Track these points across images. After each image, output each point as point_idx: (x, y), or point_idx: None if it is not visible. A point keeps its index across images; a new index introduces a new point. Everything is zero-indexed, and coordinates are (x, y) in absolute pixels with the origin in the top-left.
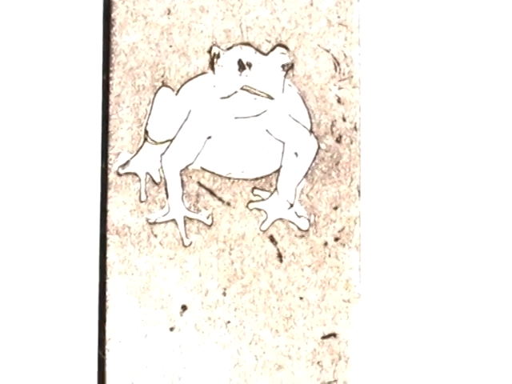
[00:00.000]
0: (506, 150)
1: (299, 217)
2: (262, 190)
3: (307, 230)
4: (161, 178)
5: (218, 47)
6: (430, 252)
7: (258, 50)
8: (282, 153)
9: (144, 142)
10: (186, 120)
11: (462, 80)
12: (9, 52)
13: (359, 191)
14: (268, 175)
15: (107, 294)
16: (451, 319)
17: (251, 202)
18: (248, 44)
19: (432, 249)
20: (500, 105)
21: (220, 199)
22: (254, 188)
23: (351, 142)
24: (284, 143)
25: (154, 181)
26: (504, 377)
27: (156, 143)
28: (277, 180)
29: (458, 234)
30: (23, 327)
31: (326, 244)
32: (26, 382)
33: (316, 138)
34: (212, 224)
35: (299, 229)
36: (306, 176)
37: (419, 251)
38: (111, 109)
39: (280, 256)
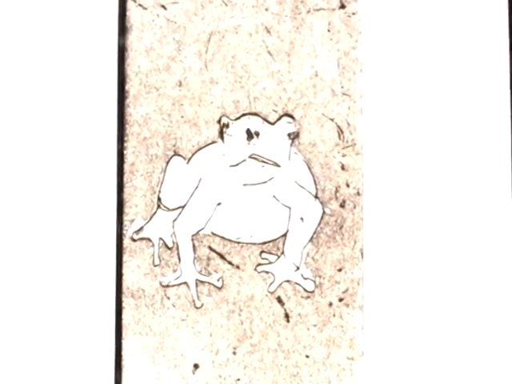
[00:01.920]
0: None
1: (305, 279)
2: (270, 253)
3: (313, 291)
4: (173, 242)
5: (227, 117)
6: (430, 312)
7: (265, 119)
8: (289, 218)
9: (157, 208)
10: (196, 187)
11: (461, 138)
12: (28, 121)
13: (362, 254)
14: (275, 239)
15: (123, 353)
16: (453, 374)
17: (259, 265)
18: (256, 114)
19: (432, 309)
20: (491, 140)
21: (230, 263)
22: (262, 252)
23: (354, 207)
24: (290, 208)
25: (166, 245)
26: None
27: (168, 210)
28: (284, 244)
29: (454, 290)
30: None
31: (330, 304)
32: None
33: (321, 203)
34: (222, 286)
35: (305, 290)
36: (311, 240)
37: (420, 313)
38: (126, 177)
39: (287, 316)
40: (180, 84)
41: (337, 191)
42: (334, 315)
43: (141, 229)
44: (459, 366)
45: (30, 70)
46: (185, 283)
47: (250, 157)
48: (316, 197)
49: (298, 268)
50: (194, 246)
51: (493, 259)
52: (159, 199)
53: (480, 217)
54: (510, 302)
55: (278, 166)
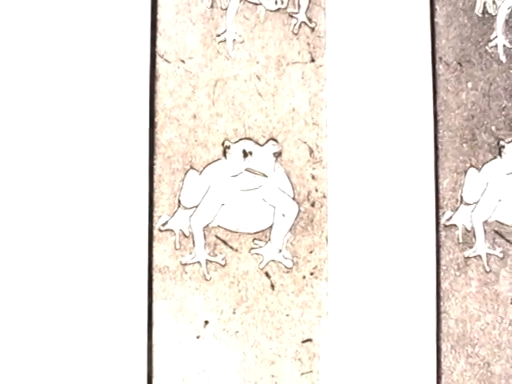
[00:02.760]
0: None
1: (286, 258)
2: (260, 240)
3: (291, 268)
4: (190, 232)
5: (229, 141)
6: (379, 281)
7: (256, 142)
8: (274, 214)
9: (178, 207)
10: (206, 192)
11: (405, 160)
12: (80, 145)
13: (327, 240)
14: (264, 230)
15: (153, 313)
16: (392, 326)
17: (252, 248)
18: (249, 139)
19: (381, 278)
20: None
21: (231, 247)
22: (254, 239)
23: (321, 206)
24: (275, 207)
25: (184, 235)
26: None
27: (186, 208)
28: (270, 233)
29: (397, 269)
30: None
31: (304, 277)
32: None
33: (297, 203)
34: (225, 264)
35: (286, 267)
36: (290, 230)
37: (370, 281)
38: (155, 185)
39: (272, 286)
40: (194, 117)
41: (308, 195)
42: (306, 285)
43: (166, 222)
44: (398, 321)
45: (87, 107)
46: (198, 262)
47: (246, 170)
48: (293, 199)
49: (280, 251)
50: (204, 235)
51: (422, 241)
52: (179, 201)
53: (412, 212)
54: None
55: (266, 176)
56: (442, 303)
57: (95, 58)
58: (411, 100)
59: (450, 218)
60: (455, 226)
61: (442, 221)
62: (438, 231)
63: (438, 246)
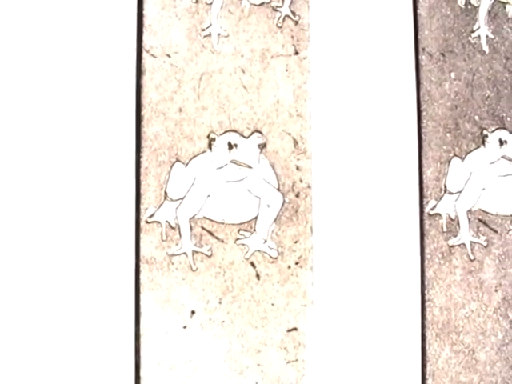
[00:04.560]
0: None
1: (271, 248)
2: (245, 231)
3: (276, 258)
4: (176, 224)
5: (214, 133)
6: (363, 273)
7: (241, 134)
8: (259, 205)
9: (164, 199)
10: (192, 184)
11: (388, 150)
12: (69, 141)
13: (312, 230)
14: (249, 220)
15: (141, 304)
16: (377, 315)
17: (238, 239)
18: (234, 131)
19: (365, 269)
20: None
21: (217, 238)
22: (240, 230)
23: (306, 197)
24: (260, 198)
25: (171, 226)
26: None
27: (172, 200)
28: (255, 224)
29: (380, 257)
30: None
31: (289, 267)
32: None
33: (282, 194)
34: (211, 255)
35: (271, 257)
36: (275, 220)
37: (353, 272)
38: (142, 177)
39: (258, 276)
40: (180, 110)
41: (293, 185)
42: (291, 274)
43: (153, 214)
44: (382, 308)
45: (72, 100)
46: (184, 253)
47: (231, 162)
48: (278, 189)
49: (265, 241)
50: (190, 226)
51: (406, 230)
52: (166, 193)
53: (396, 201)
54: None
55: (251, 167)
56: (426, 291)
57: (81, 53)
58: (395, 91)
59: (434, 206)
60: (439, 214)
61: (426, 210)
62: (422, 220)
63: (423, 235)
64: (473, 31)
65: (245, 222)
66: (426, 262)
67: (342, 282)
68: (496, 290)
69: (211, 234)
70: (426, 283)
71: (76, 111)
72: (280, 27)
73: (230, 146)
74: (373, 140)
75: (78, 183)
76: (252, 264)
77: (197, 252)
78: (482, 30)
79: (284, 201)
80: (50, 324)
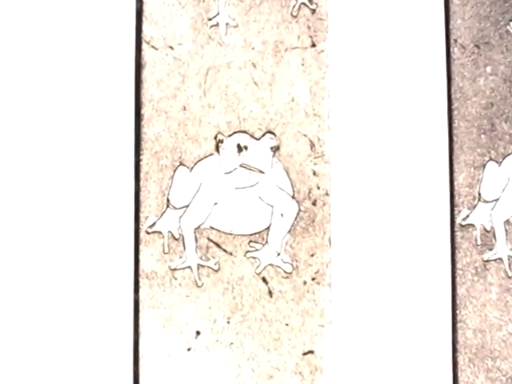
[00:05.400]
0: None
1: (285, 262)
2: (256, 242)
3: (291, 272)
4: (179, 234)
5: (222, 134)
6: (386, 288)
7: (252, 136)
8: (271, 214)
9: (166, 207)
10: (198, 190)
11: (416, 153)
12: (65, 141)
13: (330, 242)
14: (261, 231)
15: (140, 323)
16: (403, 337)
17: (248, 251)
18: (244, 132)
19: (388, 285)
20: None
21: (224, 250)
22: (250, 241)
23: (323, 205)
24: (273, 206)
25: (174, 237)
26: None
27: (175, 208)
28: (267, 235)
29: (407, 273)
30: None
31: (305, 283)
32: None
33: (297, 202)
34: (218, 269)
35: (285, 271)
36: (289, 231)
37: (376, 288)
38: (141, 183)
39: (270, 292)
40: (184, 108)
41: (309, 192)
42: (307, 291)
43: (153, 224)
44: (409, 330)
45: (66, 97)
46: (189, 267)
47: (240, 166)
48: (293, 197)
49: (278, 254)
50: (195, 237)
51: (436, 243)
52: (168, 200)
53: (424, 210)
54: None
55: (263, 172)
56: (458, 311)
57: (76, 45)
58: (423, 87)
59: (467, 216)
60: (472, 225)
61: (458, 220)
62: (453, 232)
63: (454, 248)
64: (511, 20)
65: (256, 233)
66: (458, 279)
67: (363, 299)
68: None
69: (218, 245)
70: (457, 302)
71: (68, 110)
72: (295, 16)
73: (240, 149)
74: (398, 142)
75: (71, 189)
76: (264, 279)
77: (202, 266)
78: None
79: (299, 209)
80: (44, 345)
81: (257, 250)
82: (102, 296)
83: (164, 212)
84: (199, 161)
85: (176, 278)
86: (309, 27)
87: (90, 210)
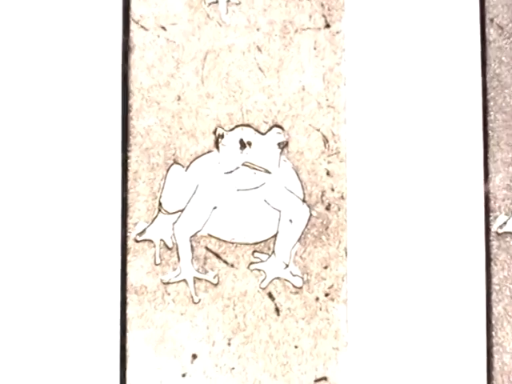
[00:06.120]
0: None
1: (294, 275)
2: (261, 252)
3: (301, 287)
4: (173, 243)
5: (222, 128)
6: (410, 306)
7: (256, 130)
8: (279, 220)
9: (158, 212)
10: (194, 193)
11: (436, 145)
12: (40, 133)
13: (346, 252)
14: (266, 240)
15: (127, 345)
16: (431, 362)
17: (252, 263)
18: (248, 125)
19: (412, 303)
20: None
21: (225, 261)
22: (254, 251)
23: (339, 210)
24: (280, 211)
25: (167, 246)
26: None
27: (169, 213)
28: (274, 244)
29: (431, 284)
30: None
31: (317, 299)
32: None
33: (308, 206)
34: (218, 283)
35: (294, 286)
36: (299, 240)
37: (400, 306)
38: (129, 184)
39: (277, 310)
40: (179, 98)
41: (322, 195)
42: (320, 309)
43: (143, 231)
44: (437, 355)
45: (42, 85)
46: (184, 280)
47: (243, 164)
48: (303, 200)
49: (287, 266)
50: (192, 246)
51: (468, 254)
52: (160, 204)
53: (455, 217)
54: (492, 299)
55: (269, 172)
56: (494, 333)
57: (54, 24)
58: (454, 75)
59: (504, 223)
60: (511, 234)
61: (494, 228)
62: (488, 241)
63: (489, 260)
64: None
65: (261, 242)
66: (494, 295)
67: (384, 319)
68: None
69: (218, 256)
70: (493, 322)
71: (45, 99)
72: None
73: (243, 145)
74: (425, 138)
75: (48, 190)
76: (270, 295)
77: (200, 279)
78: None
79: (311, 215)
80: (19, 371)
81: (262, 261)
82: (83, 315)
83: (155, 217)
84: (196, 158)
85: (169, 294)
86: (322, 5)
87: (69, 215)
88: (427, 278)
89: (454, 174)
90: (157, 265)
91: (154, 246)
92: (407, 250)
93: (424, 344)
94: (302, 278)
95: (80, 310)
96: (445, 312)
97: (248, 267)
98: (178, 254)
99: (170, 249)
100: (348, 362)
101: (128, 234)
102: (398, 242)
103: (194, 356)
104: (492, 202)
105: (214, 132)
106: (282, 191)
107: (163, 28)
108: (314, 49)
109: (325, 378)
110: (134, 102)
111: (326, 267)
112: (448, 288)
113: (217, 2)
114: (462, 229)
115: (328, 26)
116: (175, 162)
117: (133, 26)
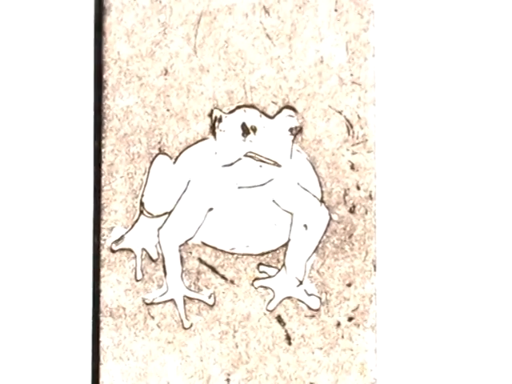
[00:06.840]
0: None
1: (309, 295)
2: (269, 266)
3: (318, 310)
4: (158, 254)
5: (220, 110)
6: (451, 334)
7: (263, 112)
8: (291, 225)
9: (140, 215)
10: (185, 191)
11: (485, 141)
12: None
13: (375, 266)
14: (275, 250)
15: (101, 381)
16: None
17: (257, 279)
18: (252, 106)
19: (453, 330)
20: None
21: (223, 277)
22: (260, 264)
23: (366, 213)
24: (292, 214)
25: (150, 257)
26: None
27: (153, 216)
28: (285, 255)
29: (477, 307)
30: None
31: (338, 324)
32: None
33: (327, 208)
34: (214, 304)
35: (309, 308)
36: (316, 250)
37: (440, 334)
38: (104, 179)
39: (289, 338)
40: (166, 72)
41: (346, 194)
42: (342, 337)
43: (121, 238)
44: None
45: None
46: (171, 300)
47: (246, 155)
48: (322, 201)
49: (300, 283)
50: (181, 257)
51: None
52: (142, 204)
53: (496, 221)
54: None
55: (278, 165)
56: None
57: None
58: (501, 49)
59: None
60: None
61: None
62: None
63: None
64: None
65: (268, 252)
66: None
67: (419, 349)
68: None
69: (214, 270)
70: None
71: (6, 75)
72: None
73: (246, 131)
74: (468, 126)
75: (6, 188)
76: (279, 319)
77: (191, 299)
78: None
79: (331, 218)
80: None
81: (269, 276)
82: (47, 343)
83: (136, 221)
84: (187, 148)
85: (153, 317)
86: None
87: (31, 218)
88: (470, 295)
89: (499, 171)
90: (138, 281)
91: (135, 258)
92: (450, 264)
93: (466, 376)
94: (320, 299)
95: (43, 337)
96: (489, 334)
97: (252, 284)
98: (164, 267)
99: (154, 261)
100: None
101: (102, 242)
102: (439, 253)
103: None
104: None
105: (210, 115)
106: (295, 189)
107: None
108: (335, 10)
109: None
110: (110, 76)
111: (349, 285)
112: (492, 306)
113: None
114: (509, 236)
115: None
116: (161, 151)
117: None
